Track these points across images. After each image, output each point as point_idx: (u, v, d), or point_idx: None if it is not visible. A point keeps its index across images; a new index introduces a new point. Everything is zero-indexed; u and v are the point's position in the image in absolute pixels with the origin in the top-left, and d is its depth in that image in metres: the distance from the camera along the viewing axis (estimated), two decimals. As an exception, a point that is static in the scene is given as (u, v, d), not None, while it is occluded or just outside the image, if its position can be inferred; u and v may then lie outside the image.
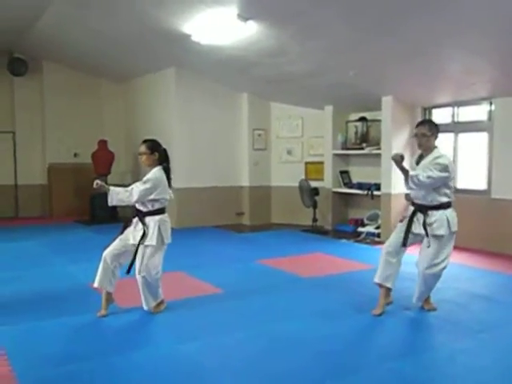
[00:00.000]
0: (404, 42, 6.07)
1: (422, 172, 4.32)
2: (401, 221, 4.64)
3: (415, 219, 4.47)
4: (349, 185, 9.28)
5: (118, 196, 4.38)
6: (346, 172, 9.45)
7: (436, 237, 4.39)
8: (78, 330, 4.16)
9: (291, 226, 9.80)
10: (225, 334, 4.06)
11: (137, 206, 4.46)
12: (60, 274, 6.08)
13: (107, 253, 4.45)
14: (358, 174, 9.30)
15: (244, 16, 6.18)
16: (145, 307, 4.52)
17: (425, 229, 4.38)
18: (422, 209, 4.44)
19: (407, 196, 4.91)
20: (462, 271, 6.15)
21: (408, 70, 6.95)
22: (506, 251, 7.02)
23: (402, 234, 4.47)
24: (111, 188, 4.39)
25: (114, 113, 11.70)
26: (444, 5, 5.00)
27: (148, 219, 4.42)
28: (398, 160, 4.27)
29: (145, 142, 4.59)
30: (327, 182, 9.42)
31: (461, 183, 7.79)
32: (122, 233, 4.55)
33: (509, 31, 5.27)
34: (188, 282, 5.70)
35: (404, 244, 4.46)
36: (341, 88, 8.17)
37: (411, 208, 4.57)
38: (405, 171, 4.36)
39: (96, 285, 4.48)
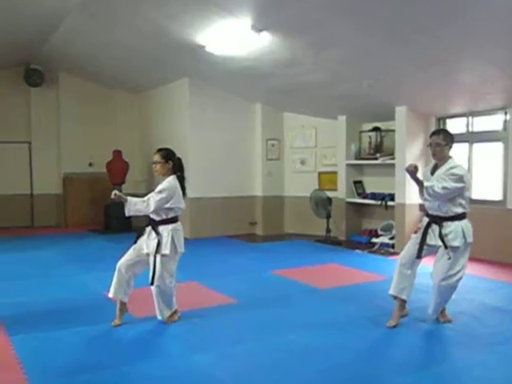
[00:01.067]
0: (419, 53, 6.06)
1: (437, 183, 4.28)
2: (415, 232, 4.59)
3: (430, 230, 4.44)
4: (362, 195, 9.24)
5: (135, 207, 4.39)
6: (360, 182, 9.42)
7: (451, 248, 4.34)
8: (91, 340, 4.17)
9: (304, 236, 9.78)
10: (238, 345, 4.05)
11: (151, 214, 4.48)
12: (74, 283, 6.11)
13: (121, 263, 4.47)
14: (372, 184, 9.26)
15: (258, 27, 6.22)
16: (159, 317, 4.53)
17: (442, 240, 4.33)
18: (437, 220, 4.40)
19: (422, 207, 4.87)
20: (478, 283, 6.08)
21: (423, 81, 6.92)
22: (522, 262, 6.94)
23: (417, 246, 4.44)
24: (129, 198, 4.40)
25: (129, 123, 11.80)
26: (459, 16, 4.99)
27: (161, 228, 4.44)
28: (412, 171, 4.25)
29: (159, 150, 4.60)
30: (341, 192, 9.39)
31: (476, 194, 7.72)
32: (135, 242, 4.56)
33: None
34: (201, 291, 5.70)
35: (419, 256, 4.42)
36: (354, 98, 8.17)
37: (425, 219, 4.53)
38: (419, 182, 4.32)
39: (111, 295, 4.50)
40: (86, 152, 11.35)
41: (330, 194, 9.34)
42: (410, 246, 4.53)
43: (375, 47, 6.18)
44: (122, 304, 4.50)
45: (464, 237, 4.35)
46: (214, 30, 6.67)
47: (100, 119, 11.62)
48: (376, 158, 8.81)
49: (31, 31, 8.31)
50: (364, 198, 9.14)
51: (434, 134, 4.54)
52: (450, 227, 4.36)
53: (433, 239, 4.42)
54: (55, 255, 7.89)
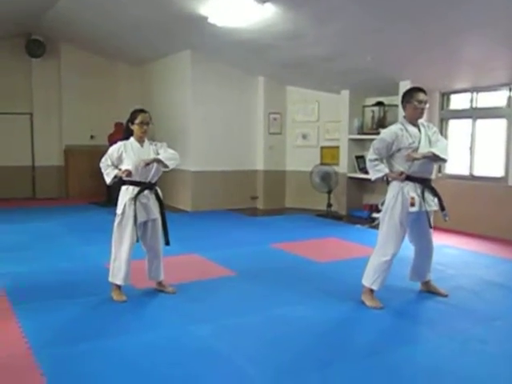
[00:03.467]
0: (423, 28, 5.97)
1: (438, 145, 4.23)
2: (412, 204, 4.18)
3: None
4: (364, 170, 9.21)
5: (170, 161, 4.38)
6: (362, 157, 9.39)
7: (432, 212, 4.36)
8: (92, 310, 4.22)
9: (305, 211, 9.80)
10: (237, 317, 4.09)
11: (149, 178, 4.42)
12: (76, 254, 6.16)
13: (128, 252, 4.39)
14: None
15: (261, -2, 6.13)
16: (162, 277, 4.64)
17: (440, 201, 4.30)
18: (428, 182, 4.32)
19: (398, 173, 4.24)
20: (478, 259, 6.11)
21: (427, 56, 6.84)
22: (522, 239, 6.96)
23: (404, 231, 4.28)
24: (160, 157, 4.35)
25: (131, 95, 11.71)
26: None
27: (156, 188, 4.51)
28: (423, 155, 4.17)
29: (144, 111, 4.50)
30: (342, 166, 9.37)
31: (478, 170, 7.71)
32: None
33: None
34: (202, 264, 5.74)
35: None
36: (358, 72, 8.09)
37: (409, 185, 4.21)
38: (433, 155, 4.17)
39: (123, 283, 4.41)
40: (87, 124, 11.33)
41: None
42: (395, 234, 4.27)
43: (379, 23, 6.10)
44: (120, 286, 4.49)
45: None
46: (217, 0, 6.57)
47: (102, 91, 11.55)
48: (379, 133, 8.69)
49: (33, 0, 8.20)
50: (365, 173, 9.10)
51: (420, 91, 4.32)
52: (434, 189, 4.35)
53: (423, 205, 4.23)
54: (57, 227, 7.93)
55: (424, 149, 4.20)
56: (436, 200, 4.34)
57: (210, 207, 9.72)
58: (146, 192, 4.42)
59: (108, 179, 4.44)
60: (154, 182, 4.47)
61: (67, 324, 3.90)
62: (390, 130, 4.36)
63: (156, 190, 4.49)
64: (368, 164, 4.41)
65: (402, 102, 4.40)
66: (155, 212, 4.46)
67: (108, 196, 10.42)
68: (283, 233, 7.71)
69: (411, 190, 4.23)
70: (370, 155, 4.38)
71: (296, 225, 8.51)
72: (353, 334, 3.81)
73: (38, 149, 11.31)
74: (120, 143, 4.51)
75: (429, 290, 4.68)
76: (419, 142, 4.23)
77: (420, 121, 4.36)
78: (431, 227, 4.40)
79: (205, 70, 9.62)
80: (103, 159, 4.52)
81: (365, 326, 3.99)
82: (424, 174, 4.29)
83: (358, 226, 8.28)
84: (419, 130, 4.32)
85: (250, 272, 5.40)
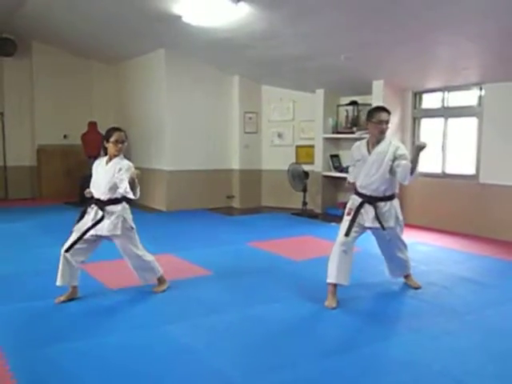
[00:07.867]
0: (396, 28, 6.05)
1: (398, 161, 4.27)
2: (348, 214, 4.47)
3: (362, 211, 4.40)
4: (339, 168, 9.30)
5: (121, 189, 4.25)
6: (337, 156, 9.47)
7: (388, 229, 4.40)
8: (67, 311, 4.17)
9: (281, 210, 9.84)
10: (213, 316, 4.09)
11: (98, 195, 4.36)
12: (48, 254, 6.04)
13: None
14: (348, 157, 9.24)
15: (235, -3, 6.13)
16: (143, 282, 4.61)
17: (379, 222, 4.32)
18: (371, 200, 4.38)
19: (351, 185, 4.62)
20: (450, 255, 6.22)
21: (400, 55, 6.94)
22: (493, 236, 7.10)
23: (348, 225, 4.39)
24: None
25: (104, 95, 11.61)
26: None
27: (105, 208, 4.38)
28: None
29: (119, 130, 4.38)
30: (317, 165, 9.43)
31: (449, 168, 7.85)
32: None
33: (500, 17, 5.26)
34: (178, 263, 5.72)
35: (347, 234, 4.36)
36: (332, 72, 8.15)
37: (357, 198, 4.47)
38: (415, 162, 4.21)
39: (59, 284, 4.32)
40: (60, 123, 11.15)
41: (306, 167, 9.38)
42: (343, 224, 4.46)
43: (353, 22, 6.15)
44: (74, 287, 4.43)
45: (397, 216, 4.44)
46: (190, -1, 6.56)
47: (75, 90, 11.39)
48: (353, 132, 8.83)
49: (2, -2, 8.07)
50: (340, 171, 9.20)
51: (382, 110, 4.39)
52: (385, 207, 4.38)
53: (367, 221, 4.39)
54: (29, 227, 7.81)
55: (371, 166, 4.36)
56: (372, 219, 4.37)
57: (186, 207, 9.68)
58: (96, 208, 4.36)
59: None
60: (105, 199, 4.33)
61: (40, 325, 3.85)
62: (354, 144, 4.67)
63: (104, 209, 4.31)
64: None
65: (366, 119, 4.49)
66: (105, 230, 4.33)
67: (81, 196, 10.30)
68: (259, 231, 7.72)
69: (350, 203, 4.51)
70: None
71: (272, 223, 8.53)
72: (328, 331, 3.84)
73: (9, 149, 11.09)
74: (97, 161, 4.48)
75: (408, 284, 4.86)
76: (365, 162, 4.42)
77: (388, 139, 4.40)
78: (389, 239, 4.51)
79: (179, 68, 9.57)
80: None
81: (339, 322, 4.02)
82: (368, 192, 4.41)
83: (333, 223, 8.33)
84: (371, 148, 4.41)
85: (226, 271, 5.40)
